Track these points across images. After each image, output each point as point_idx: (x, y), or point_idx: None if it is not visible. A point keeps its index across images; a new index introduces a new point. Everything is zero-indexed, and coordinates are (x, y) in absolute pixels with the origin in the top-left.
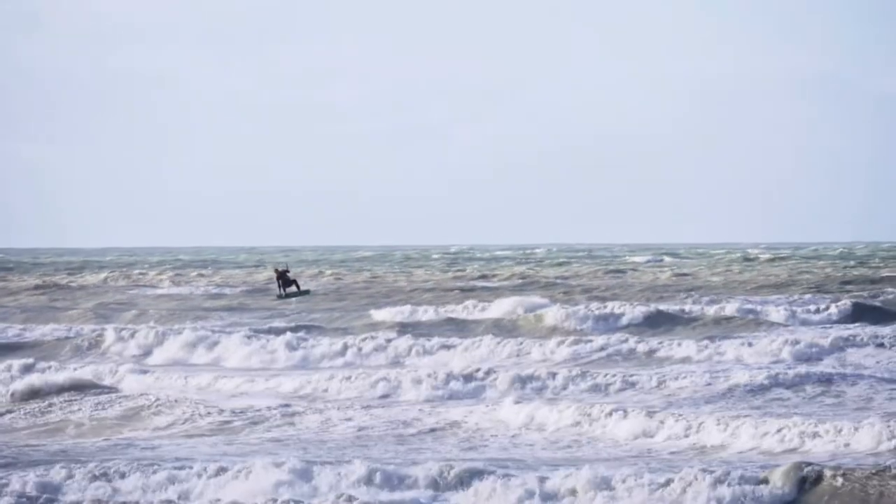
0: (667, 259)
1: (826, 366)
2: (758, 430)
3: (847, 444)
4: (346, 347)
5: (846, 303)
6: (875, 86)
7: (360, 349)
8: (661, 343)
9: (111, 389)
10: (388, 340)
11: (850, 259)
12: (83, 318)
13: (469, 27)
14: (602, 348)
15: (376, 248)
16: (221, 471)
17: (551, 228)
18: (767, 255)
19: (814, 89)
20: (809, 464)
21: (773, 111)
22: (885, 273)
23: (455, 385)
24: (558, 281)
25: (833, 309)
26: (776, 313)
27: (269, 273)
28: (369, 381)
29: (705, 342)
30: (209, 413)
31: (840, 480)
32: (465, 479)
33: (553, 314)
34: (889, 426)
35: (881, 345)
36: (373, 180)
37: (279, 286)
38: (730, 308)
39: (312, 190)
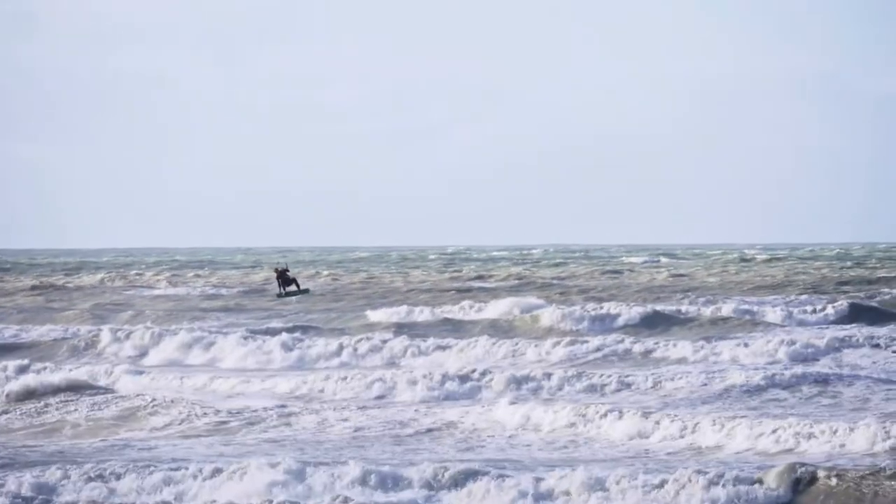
0: (663, 260)
1: (822, 366)
2: (753, 431)
3: (842, 445)
4: (341, 348)
5: (843, 303)
6: (875, 86)
7: (355, 350)
8: (657, 344)
9: (107, 390)
10: (384, 341)
11: (847, 260)
12: (79, 319)
13: (466, 27)
14: (598, 349)
15: (373, 249)
16: (217, 472)
17: (548, 229)
18: (764, 256)
19: (814, 89)
20: (804, 464)
21: (772, 111)
22: (881, 274)
23: (451, 386)
24: (555, 281)
25: (829, 309)
26: (772, 314)
27: (265, 274)
28: (365, 382)
29: (702, 343)
30: (205, 413)
31: (835, 481)
32: (460, 481)
33: (549, 315)
34: (884, 427)
35: (877, 345)
36: (369, 181)
37: (279, 285)
38: (726, 309)
39: (309, 190)
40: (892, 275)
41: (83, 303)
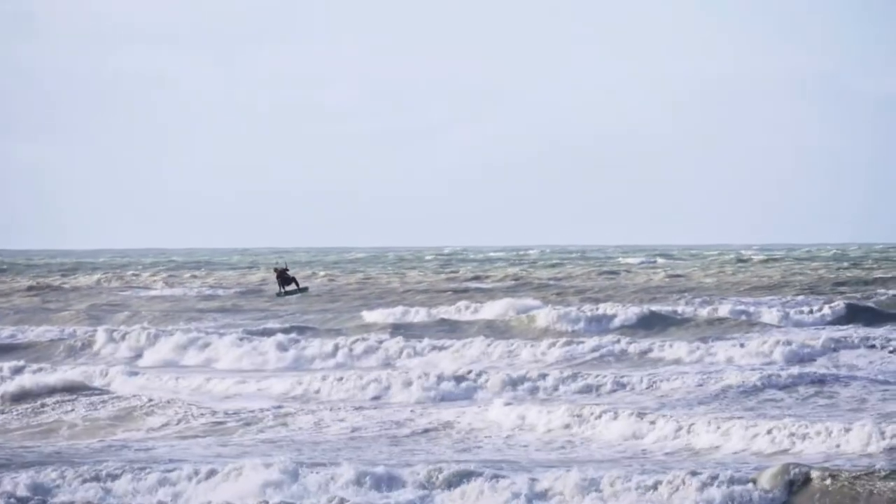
0: (660, 260)
1: (819, 367)
2: (749, 432)
3: (838, 446)
4: (337, 349)
5: (839, 304)
6: (875, 86)
7: (351, 351)
8: (653, 344)
9: (103, 391)
10: (380, 342)
11: (844, 260)
12: (76, 320)
13: (464, 27)
14: (594, 349)
15: (370, 250)
16: (212, 473)
17: (545, 230)
18: (761, 257)
19: (813, 90)
20: (798, 465)
21: (772, 111)
22: (878, 274)
23: (447, 386)
24: (551, 282)
25: (826, 310)
26: (769, 314)
27: (262, 274)
28: (361, 383)
29: (698, 343)
30: (202, 414)
31: (829, 482)
32: (455, 482)
33: (545, 315)
34: (880, 427)
35: (874, 346)
36: (367, 181)
37: (279, 285)
38: (723, 309)
39: (306, 191)
40: (889, 275)
41: (79, 303)
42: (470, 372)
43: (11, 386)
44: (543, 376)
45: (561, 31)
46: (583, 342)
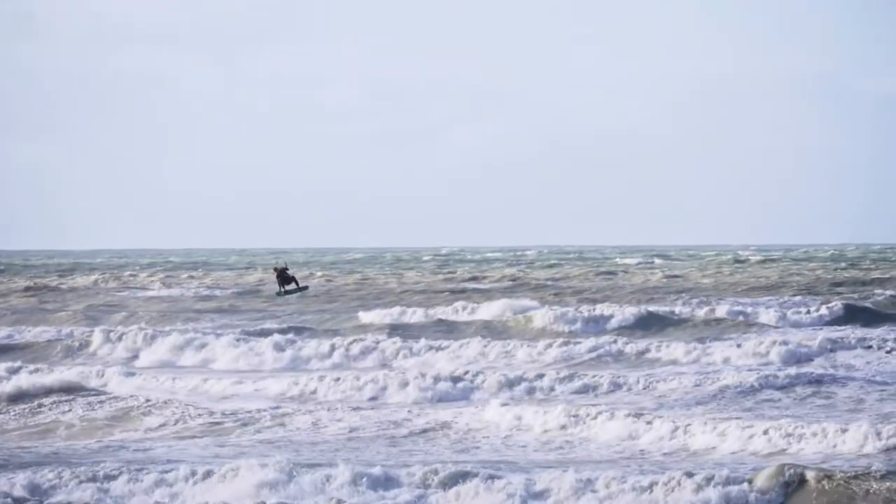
0: (657, 261)
1: (816, 367)
2: (746, 432)
3: (834, 446)
4: (333, 349)
5: (837, 304)
6: (875, 87)
7: (348, 351)
8: (651, 345)
9: (100, 391)
10: (377, 342)
11: (841, 261)
12: (73, 321)
13: (462, 27)
14: (591, 350)
15: (367, 250)
16: (209, 473)
17: (542, 230)
18: (758, 257)
19: (813, 90)
20: (794, 466)
21: (772, 112)
22: (875, 275)
23: (443, 387)
24: (549, 283)
25: (824, 310)
26: (766, 315)
27: (260, 275)
28: (358, 383)
29: (695, 344)
30: (199, 415)
31: (825, 482)
32: (451, 482)
33: (542, 316)
34: (876, 428)
35: (871, 346)
36: (364, 182)
37: (279, 284)
38: (720, 310)
39: (304, 191)
40: (887, 276)
41: (77, 304)
42: (467, 372)
43: (8, 386)
44: (540, 377)
45: (559, 30)
46: (580, 342)
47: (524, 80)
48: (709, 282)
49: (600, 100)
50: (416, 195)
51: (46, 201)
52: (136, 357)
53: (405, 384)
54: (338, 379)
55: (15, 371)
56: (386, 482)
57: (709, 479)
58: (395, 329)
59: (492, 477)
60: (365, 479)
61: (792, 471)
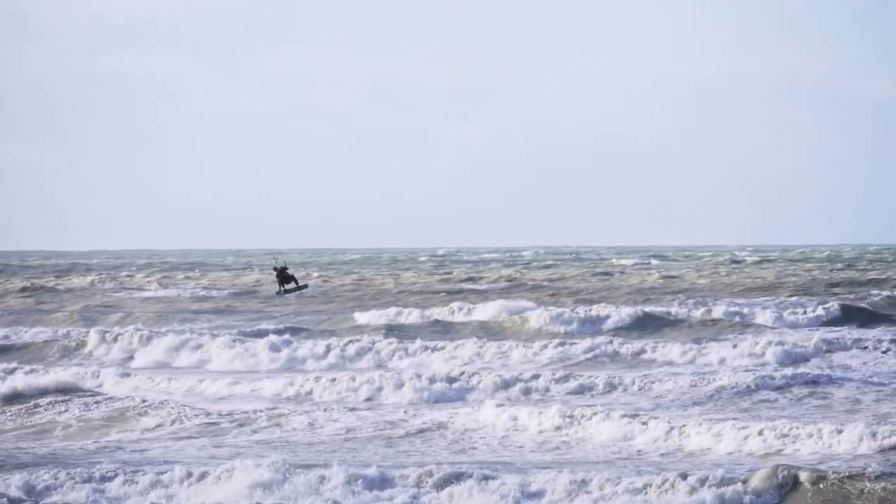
0: (654, 261)
1: (813, 368)
2: (742, 433)
3: (830, 447)
4: (328, 349)
5: (833, 305)
6: (874, 88)
7: (344, 352)
8: (647, 345)
9: (96, 392)
10: (373, 343)
11: (838, 261)
12: (69, 321)
13: (458, 27)
14: (587, 351)
15: (364, 251)
16: (204, 475)
17: (539, 231)
18: (754, 258)
19: (813, 91)
20: (789, 466)
21: (771, 112)
22: (872, 275)
23: (440, 388)
24: (545, 283)
25: (820, 311)
26: (763, 316)
27: (256, 276)
28: (353, 384)
29: (692, 344)
30: (196, 415)
31: (819, 483)
32: (448, 483)
33: (539, 317)
34: (872, 428)
35: (868, 347)
36: (360, 182)
37: (278, 283)
38: (716, 310)
39: (301, 192)
40: (883, 276)
41: (73, 305)
42: (463, 373)
43: (4, 387)
44: (536, 377)
45: (557, 30)
46: (576, 343)
47: (521, 80)
48: (705, 282)
49: (597, 100)
50: (412, 196)
51: (45, 202)
52: (131, 358)
53: (401, 385)
54: (333, 380)
55: (11, 372)
56: (381, 483)
57: (703, 480)
58: (391, 330)
59: (486, 478)
60: (359, 480)
61: (786, 472)
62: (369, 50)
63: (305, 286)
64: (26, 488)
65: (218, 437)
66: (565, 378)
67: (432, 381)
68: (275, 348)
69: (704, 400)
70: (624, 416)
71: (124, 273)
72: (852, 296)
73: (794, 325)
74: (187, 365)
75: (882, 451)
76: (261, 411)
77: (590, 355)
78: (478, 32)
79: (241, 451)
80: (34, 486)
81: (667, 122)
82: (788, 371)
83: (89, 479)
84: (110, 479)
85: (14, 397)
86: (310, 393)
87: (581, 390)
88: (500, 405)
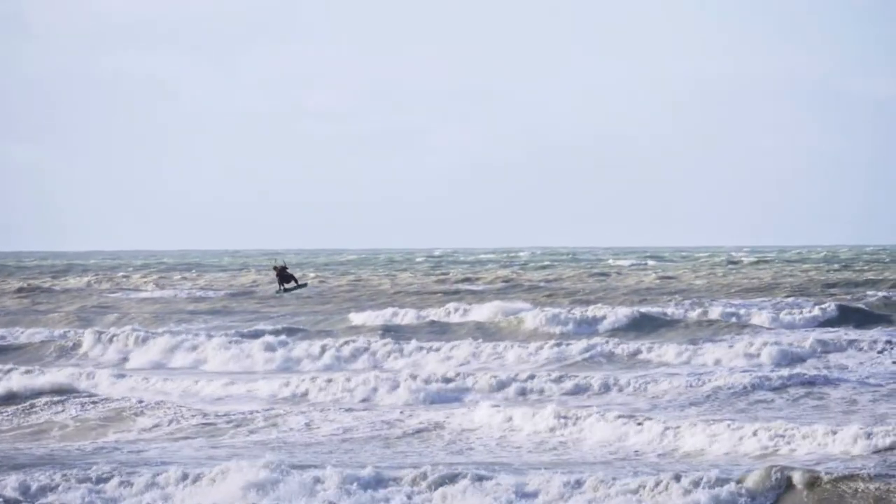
0: (651, 262)
1: (809, 368)
2: (737, 434)
3: (825, 447)
4: (323, 350)
5: (830, 305)
6: (874, 88)
7: (340, 352)
8: (643, 346)
9: (91, 393)
10: (369, 343)
11: (834, 262)
12: (65, 322)
13: (456, 28)
14: (583, 351)
15: (360, 251)
16: (199, 476)
17: (536, 231)
18: (751, 259)
19: (812, 91)
20: (784, 467)
21: (771, 112)
22: (868, 276)
23: (436, 388)
24: (542, 284)
25: (817, 311)
26: (760, 316)
27: (253, 276)
28: (349, 385)
29: (688, 345)
30: (193, 416)
31: (814, 484)
32: (443, 484)
33: (535, 317)
34: (867, 429)
35: (865, 347)
36: (357, 183)
37: (278, 282)
38: (713, 311)
39: (297, 192)
40: (880, 277)
41: (69, 305)
42: (459, 374)
43: (0, 388)
44: (533, 378)
45: (556, 30)
46: (572, 344)
47: (521, 80)
48: (702, 283)
49: (597, 100)
50: (409, 196)
51: (44, 202)
52: (127, 359)
53: (397, 385)
54: (329, 380)
55: (7, 372)
56: (376, 484)
57: (698, 481)
58: (387, 331)
59: (481, 478)
60: (354, 481)
61: (782, 472)
62: (369, 50)
63: (305, 284)
64: (22, 489)
65: (215, 437)
66: (563, 378)
67: (428, 381)
68: (270, 349)
69: (701, 400)
70: (620, 416)
71: (121, 274)
72: (849, 296)
73: (790, 326)
74: (183, 366)
75: (878, 451)
76: (257, 412)
77: (586, 356)
78: (477, 32)
79: (238, 452)
80: (30, 487)
81: (667, 122)
82: (785, 372)
83: (85, 480)
84: (106, 480)
85: (10, 398)
86: (305, 394)
87: (577, 391)
88: (495, 406)
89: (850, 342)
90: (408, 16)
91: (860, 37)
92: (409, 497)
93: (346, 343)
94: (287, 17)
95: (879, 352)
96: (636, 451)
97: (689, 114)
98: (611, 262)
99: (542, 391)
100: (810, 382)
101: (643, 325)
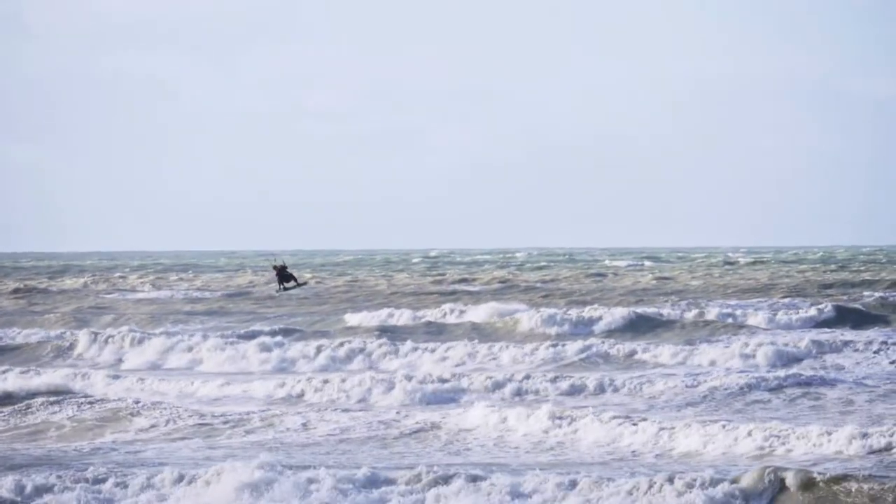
0: (647, 263)
1: (806, 368)
2: (732, 435)
3: (821, 448)
4: (319, 351)
5: (826, 306)
6: (874, 89)
7: (336, 353)
8: (640, 347)
9: (87, 394)
10: (365, 344)
11: (831, 263)
12: (62, 323)
13: (454, 28)
14: (580, 352)
15: (357, 252)
16: (195, 477)
17: (532, 232)
18: (748, 259)
19: (812, 91)
20: (779, 467)
21: (770, 113)
22: (865, 276)
23: (431, 389)
24: (538, 285)
25: (813, 312)
26: (756, 317)
27: (250, 277)
28: (346, 385)
29: (685, 346)
30: (190, 416)
31: (808, 484)
32: (438, 485)
33: (531, 318)
34: (862, 429)
35: (861, 348)
36: (354, 183)
37: (278, 282)
38: (709, 312)
39: (294, 193)
40: (876, 278)
41: (66, 306)
42: (454, 375)
43: None
44: (528, 378)
45: (555, 30)
46: (568, 344)
47: (521, 80)
48: (698, 284)
49: (597, 100)
50: (406, 197)
51: (44, 202)
52: (123, 360)
53: (392, 386)
54: (325, 381)
55: (3, 373)
56: (371, 484)
57: (693, 482)
58: (383, 331)
59: (476, 479)
60: (348, 483)
61: (778, 472)
62: (369, 50)
63: (305, 283)
64: (18, 490)
65: (212, 437)
66: (559, 379)
67: (424, 382)
68: (266, 350)
69: (697, 401)
70: (615, 417)
71: (117, 274)
72: (845, 297)
73: (786, 327)
74: (178, 367)
75: (874, 452)
76: (254, 413)
77: (582, 356)
78: (477, 32)
79: (235, 453)
80: (25, 488)
81: (667, 122)
82: (781, 372)
83: (81, 481)
84: (102, 480)
85: (6, 398)
86: (301, 394)
87: (573, 391)
88: (490, 406)
89: (847, 343)
90: (407, 16)
91: (860, 37)
92: (404, 496)
93: (342, 344)
94: (287, 17)
95: (876, 352)
96: (633, 452)
97: (688, 114)
98: (607, 262)
99: (537, 392)
100: (807, 383)
101: (639, 326)
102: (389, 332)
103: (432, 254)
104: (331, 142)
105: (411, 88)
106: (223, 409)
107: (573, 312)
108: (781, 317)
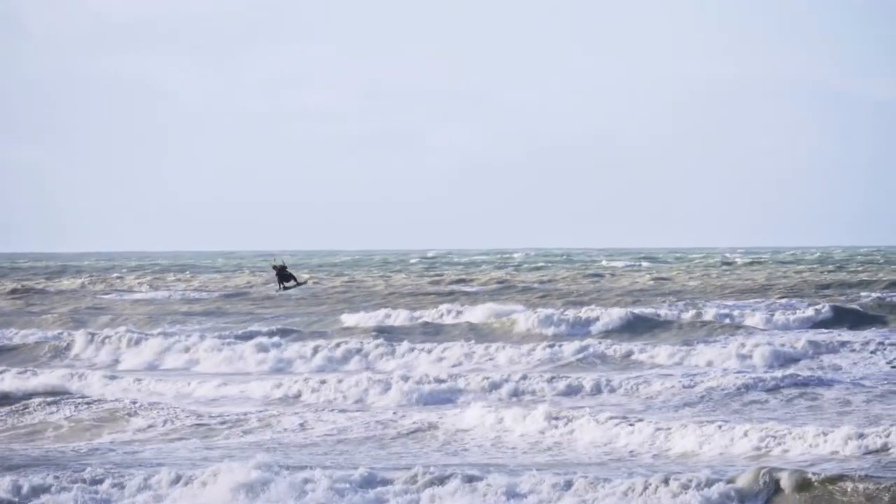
0: (645, 263)
1: (803, 369)
2: (729, 435)
3: (818, 448)
4: (316, 351)
5: (824, 307)
6: (874, 90)
7: (332, 353)
8: (637, 347)
9: (85, 394)
10: (362, 345)
11: (829, 263)
12: (59, 323)
13: (453, 28)
14: (577, 352)
15: (355, 252)
16: (192, 477)
17: (529, 232)
18: (745, 260)
19: (812, 92)
20: (775, 468)
21: (770, 114)
22: (862, 277)
23: (428, 389)
24: (536, 285)
25: (810, 312)
26: (754, 317)
27: (247, 277)
28: (342, 386)
29: (682, 346)
30: (187, 416)
31: (804, 484)
32: (435, 485)
33: (528, 319)
34: (858, 430)
35: (858, 348)
36: (352, 184)
37: (278, 281)
38: (707, 313)
39: (292, 194)
40: (874, 278)
41: (63, 307)
42: (451, 375)
43: None
44: (525, 378)
45: (555, 31)
46: (565, 345)
47: (520, 81)
48: (696, 284)
49: (597, 100)
50: (403, 197)
51: (44, 202)
52: (119, 360)
53: (389, 387)
54: (323, 381)
55: (0, 373)
56: (367, 485)
57: (689, 482)
58: (380, 332)
59: (472, 479)
60: (344, 483)
61: (774, 472)
62: (368, 50)
63: (304, 282)
64: (14, 490)
65: (209, 438)
66: (556, 380)
67: (420, 382)
68: (263, 350)
69: (695, 401)
70: (612, 417)
71: (115, 275)
72: (843, 297)
73: (784, 327)
74: (175, 367)
75: (871, 452)
76: (251, 413)
77: (579, 357)
78: (477, 33)
79: (232, 453)
80: (21, 488)
81: (667, 122)
82: (778, 373)
83: (78, 482)
84: (99, 481)
85: (3, 399)
86: (298, 395)
87: (570, 392)
88: (487, 406)
89: (844, 343)
90: (407, 16)
91: (860, 37)
92: (399, 497)
93: (339, 344)
94: (287, 17)
95: (873, 352)
96: (630, 452)
97: (688, 114)
98: (605, 263)
99: (534, 392)
100: (804, 383)
101: (636, 327)
102: (386, 333)
103: (430, 254)
104: (330, 142)
105: (410, 89)
106: (220, 409)
107: (570, 313)
108: (779, 317)
